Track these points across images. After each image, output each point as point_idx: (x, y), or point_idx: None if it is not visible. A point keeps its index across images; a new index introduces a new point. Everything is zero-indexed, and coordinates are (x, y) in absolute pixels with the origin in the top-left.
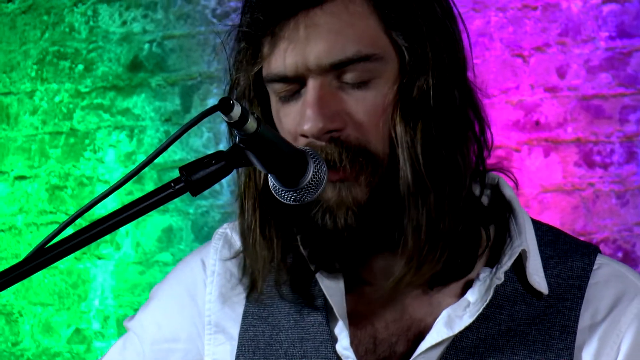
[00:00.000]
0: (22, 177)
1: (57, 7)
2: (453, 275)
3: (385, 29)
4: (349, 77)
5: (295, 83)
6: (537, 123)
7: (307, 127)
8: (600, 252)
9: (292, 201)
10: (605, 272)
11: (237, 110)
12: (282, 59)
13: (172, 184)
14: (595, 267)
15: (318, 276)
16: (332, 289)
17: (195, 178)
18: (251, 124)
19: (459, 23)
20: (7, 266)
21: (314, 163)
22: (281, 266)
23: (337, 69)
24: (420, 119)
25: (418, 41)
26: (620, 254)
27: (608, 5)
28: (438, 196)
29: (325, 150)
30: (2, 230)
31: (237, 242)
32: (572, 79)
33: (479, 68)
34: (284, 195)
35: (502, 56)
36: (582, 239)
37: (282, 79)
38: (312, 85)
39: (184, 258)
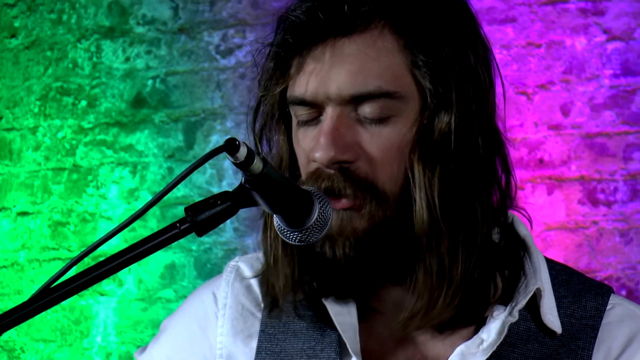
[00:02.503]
0: (24, 213)
1: (60, 43)
2: (466, 319)
3: (411, 68)
4: (367, 111)
5: (315, 108)
6: (541, 161)
7: (318, 154)
8: (613, 292)
9: (298, 241)
10: (619, 312)
11: (243, 151)
12: (305, 83)
13: (178, 225)
14: (608, 307)
15: (327, 303)
16: (346, 323)
17: (200, 218)
18: (257, 165)
19: (495, 72)
20: (8, 302)
21: (320, 204)
22: (298, 287)
23: (356, 101)
24: (439, 162)
25: (443, 85)
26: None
27: (612, 43)
28: (452, 242)
29: (332, 179)
30: (5, 267)
31: (249, 275)
32: (576, 117)
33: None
34: (290, 236)
35: (506, 94)
36: None
37: (303, 102)
38: (330, 113)
39: (195, 290)
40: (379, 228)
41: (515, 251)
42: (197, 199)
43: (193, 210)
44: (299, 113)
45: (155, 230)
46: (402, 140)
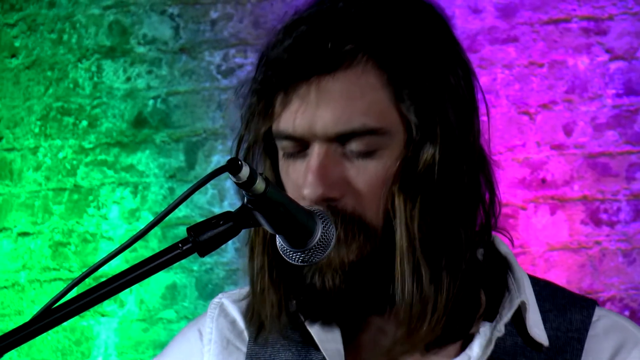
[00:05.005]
0: (25, 234)
1: (61, 63)
2: (452, 336)
3: (396, 102)
4: (354, 146)
5: (301, 142)
6: (544, 181)
7: (306, 192)
8: (598, 305)
9: (300, 262)
10: (605, 323)
11: (245, 171)
12: (292, 119)
13: (180, 245)
14: (594, 319)
15: (312, 330)
16: (332, 350)
17: (202, 239)
18: (259, 185)
19: (478, 93)
20: (9, 323)
21: (322, 224)
22: (284, 316)
23: (342, 139)
24: (420, 193)
25: (428, 118)
26: (627, 312)
27: (615, 63)
28: (434, 271)
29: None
30: (5, 287)
31: (232, 311)
32: (578, 137)
33: (484, 125)
34: (292, 256)
35: (509, 113)
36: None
37: (290, 138)
38: (316, 150)
39: (181, 329)
40: (367, 260)
41: (498, 268)
42: (199, 219)
43: (195, 230)
44: (285, 146)
45: (157, 250)
46: (387, 173)
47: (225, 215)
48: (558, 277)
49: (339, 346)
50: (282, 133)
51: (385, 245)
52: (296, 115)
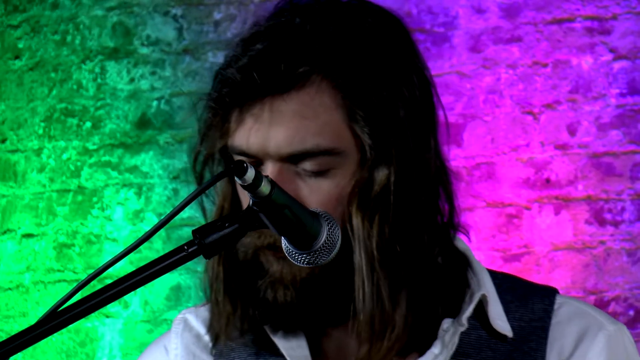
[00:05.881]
0: (29, 235)
1: (64, 64)
2: (418, 338)
3: (349, 123)
4: (307, 165)
5: (256, 159)
6: (548, 181)
7: None
8: (558, 292)
9: (306, 264)
10: (567, 310)
11: (250, 174)
12: (246, 137)
13: (186, 247)
14: (556, 306)
15: (276, 339)
16: (298, 357)
17: (208, 241)
18: (264, 187)
19: (437, 102)
20: (14, 325)
21: (328, 225)
22: (243, 326)
23: (295, 159)
24: (377, 213)
25: (382, 139)
26: (631, 312)
27: (619, 62)
28: (394, 289)
29: (274, 236)
30: (10, 289)
31: (196, 325)
32: (582, 136)
33: (489, 125)
34: (297, 258)
35: (512, 113)
36: (593, 297)
37: (244, 154)
38: (270, 169)
39: (147, 347)
40: (320, 277)
41: (457, 265)
42: (203, 220)
43: (201, 232)
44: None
45: (161, 251)
46: (342, 193)
47: (231, 217)
48: (562, 277)
49: (305, 352)
50: (236, 149)
51: (342, 262)
52: (250, 133)
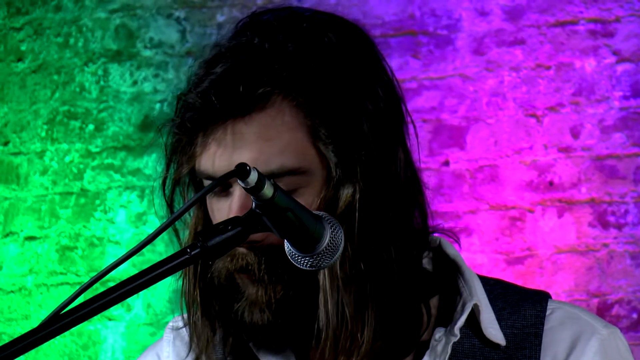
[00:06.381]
0: (32, 238)
1: (67, 67)
2: (399, 354)
3: (313, 141)
4: None
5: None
6: (551, 183)
7: None
8: (550, 297)
9: (309, 267)
10: (559, 315)
11: (253, 176)
12: (212, 161)
13: (188, 250)
14: (548, 312)
15: (263, 358)
16: None
17: (211, 244)
18: (267, 190)
19: (404, 111)
20: (16, 327)
21: (331, 229)
22: (227, 344)
23: None
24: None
25: (347, 156)
26: (635, 315)
27: (622, 65)
28: (359, 307)
29: (246, 258)
30: (12, 291)
31: (187, 334)
32: (585, 139)
33: (492, 128)
34: (300, 261)
35: (516, 116)
36: (596, 300)
37: (211, 178)
38: (237, 193)
39: (140, 356)
40: (293, 298)
41: (448, 272)
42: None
43: (203, 235)
44: (208, 184)
45: (164, 253)
46: None
47: (234, 220)
48: (565, 279)
49: None
50: (203, 174)
51: (311, 282)
52: (214, 158)
